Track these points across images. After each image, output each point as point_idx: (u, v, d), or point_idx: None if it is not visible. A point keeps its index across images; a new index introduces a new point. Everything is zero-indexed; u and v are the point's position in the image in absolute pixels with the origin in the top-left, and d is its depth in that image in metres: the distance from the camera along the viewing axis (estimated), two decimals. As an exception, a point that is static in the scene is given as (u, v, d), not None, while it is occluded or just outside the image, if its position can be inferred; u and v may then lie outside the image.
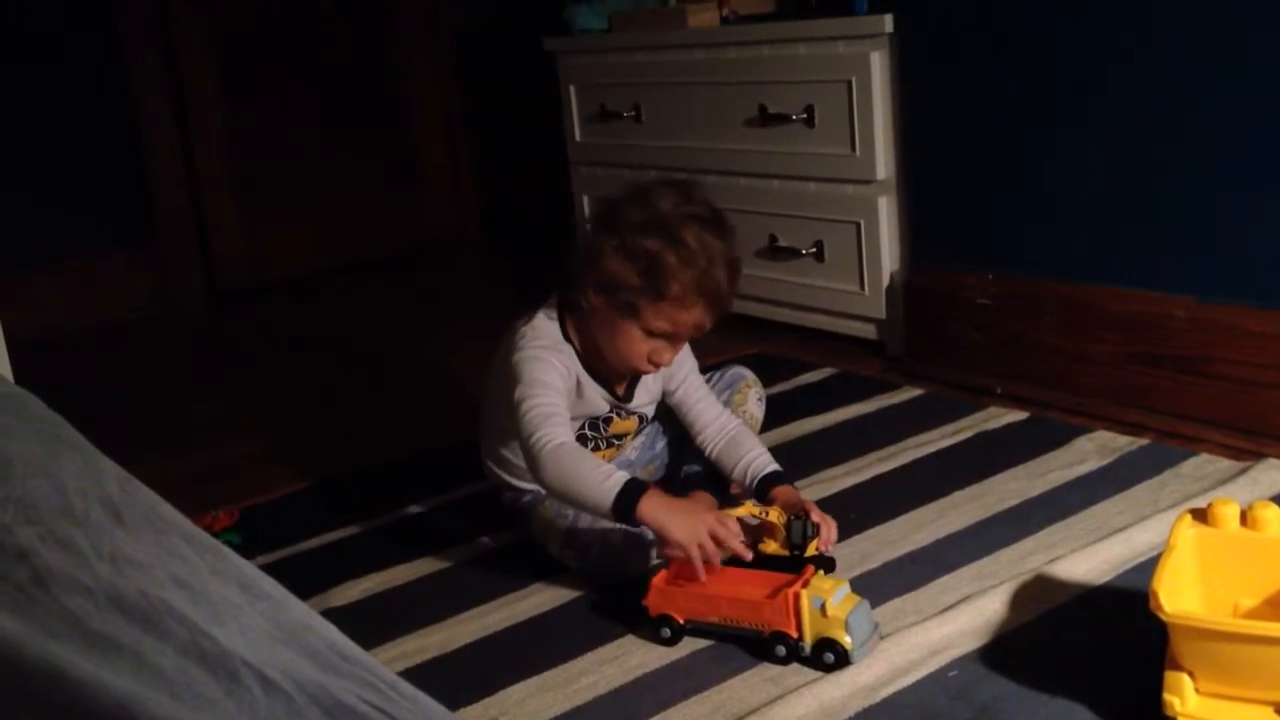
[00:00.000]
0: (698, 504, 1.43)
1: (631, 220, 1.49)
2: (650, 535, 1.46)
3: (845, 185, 2.39)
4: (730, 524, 1.39)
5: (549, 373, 1.52)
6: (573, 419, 1.56)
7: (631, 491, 1.39)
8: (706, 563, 1.38)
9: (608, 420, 1.65)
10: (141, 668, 0.64)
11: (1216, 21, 1.76)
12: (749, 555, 1.40)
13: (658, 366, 1.57)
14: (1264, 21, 1.71)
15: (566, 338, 1.59)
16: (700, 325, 1.54)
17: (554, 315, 1.60)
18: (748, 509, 1.44)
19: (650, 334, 1.52)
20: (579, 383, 1.59)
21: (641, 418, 1.70)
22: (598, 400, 1.62)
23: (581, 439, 1.62)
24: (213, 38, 3.53)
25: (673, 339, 1.55)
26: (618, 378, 1.63)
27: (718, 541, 1.37)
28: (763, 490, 1.58)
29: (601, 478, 1.41)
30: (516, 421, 1.49)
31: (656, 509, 1.38)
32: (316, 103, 3.74)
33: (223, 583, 0.74)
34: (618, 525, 1.46)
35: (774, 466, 1.60)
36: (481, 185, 4.13)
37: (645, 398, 1.68)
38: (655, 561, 1.51)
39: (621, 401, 1.65)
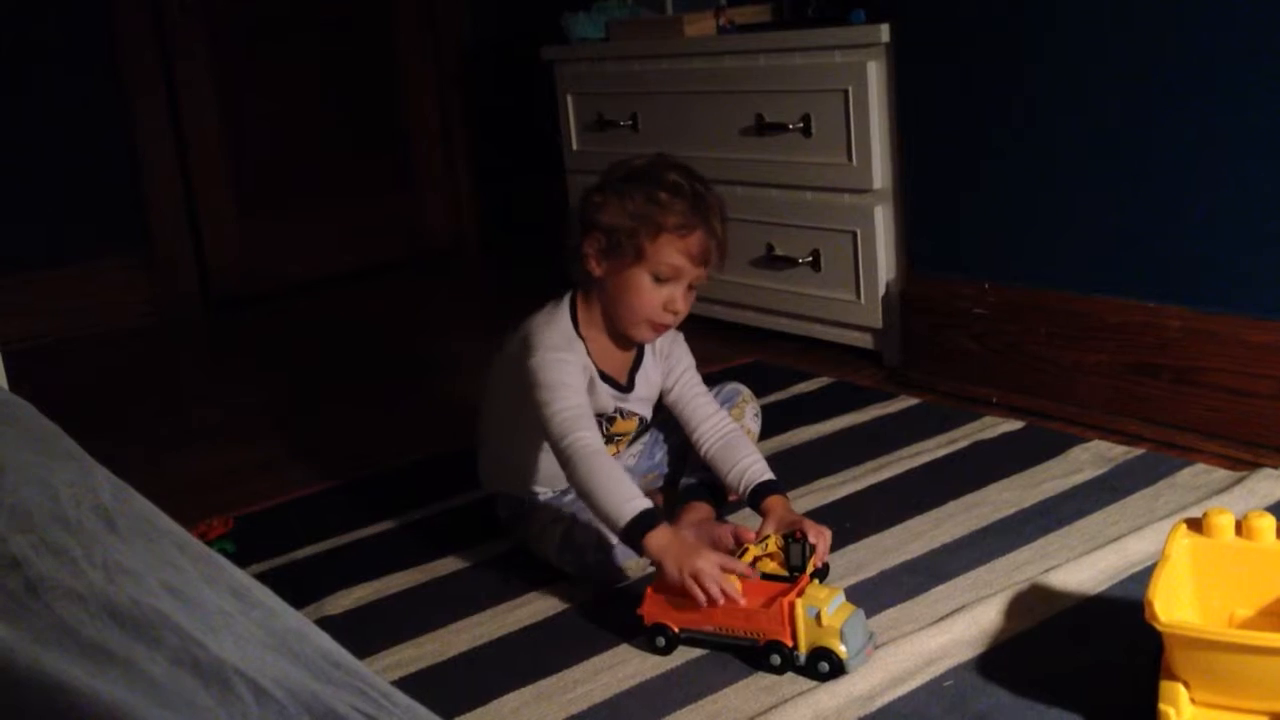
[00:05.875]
0: (702, 546, 1.44)
1: (615, 175, 1.59)
2: None
3: (842, 194, 2.40)
4: (729, 566, 1.40)
5: (569, 374, 1.55)
6: None
7: (644, 521, 1.42)
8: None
9: (610, 420, 1.68)
10: (133, 676, 0.63)
11: (1205, 39, 1.77)
12: (721, 601, 1.38)
13: (676, 316, 1.59)
14: (1254, 51, 1.72)
15: (578, 333, 1.61)
16: (704, 254, 1.56)
17: (564, 308, 1.63)
18: (752, 553, 1.46)
19: (659, 280, 1.55)
20: (591, 380, 1.61)
21: (641, 420, 1.72)
22: (605, 398, 1.65)
23: None
24: (210, 45, 3.53)
25: (681, 278, 1.57)
26: (625, 358, 1.66)
27: (704, 583, 1.38)
28: (756, 499, 1.59)
29: (624, 498, 1.44)
30: (545, 424, 1.51)
31: (659, 545, 1.41)
32: (314, 110, 3.74)
33: (216, 591, 0.73)
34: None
35: (768, 475, 1.61)
36: (480, 193, 4.13)
37: (645, 390, 1.69)
38: (650, 569, 1.51)
39: (624, 390, 1.67)
